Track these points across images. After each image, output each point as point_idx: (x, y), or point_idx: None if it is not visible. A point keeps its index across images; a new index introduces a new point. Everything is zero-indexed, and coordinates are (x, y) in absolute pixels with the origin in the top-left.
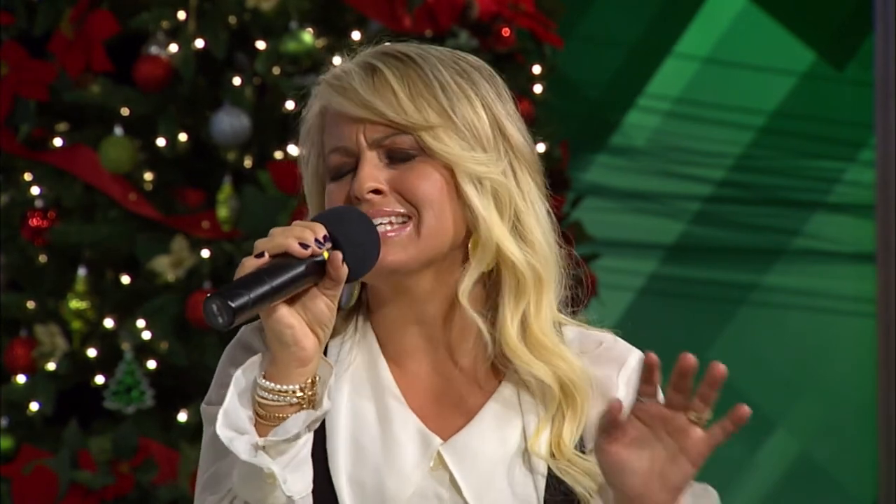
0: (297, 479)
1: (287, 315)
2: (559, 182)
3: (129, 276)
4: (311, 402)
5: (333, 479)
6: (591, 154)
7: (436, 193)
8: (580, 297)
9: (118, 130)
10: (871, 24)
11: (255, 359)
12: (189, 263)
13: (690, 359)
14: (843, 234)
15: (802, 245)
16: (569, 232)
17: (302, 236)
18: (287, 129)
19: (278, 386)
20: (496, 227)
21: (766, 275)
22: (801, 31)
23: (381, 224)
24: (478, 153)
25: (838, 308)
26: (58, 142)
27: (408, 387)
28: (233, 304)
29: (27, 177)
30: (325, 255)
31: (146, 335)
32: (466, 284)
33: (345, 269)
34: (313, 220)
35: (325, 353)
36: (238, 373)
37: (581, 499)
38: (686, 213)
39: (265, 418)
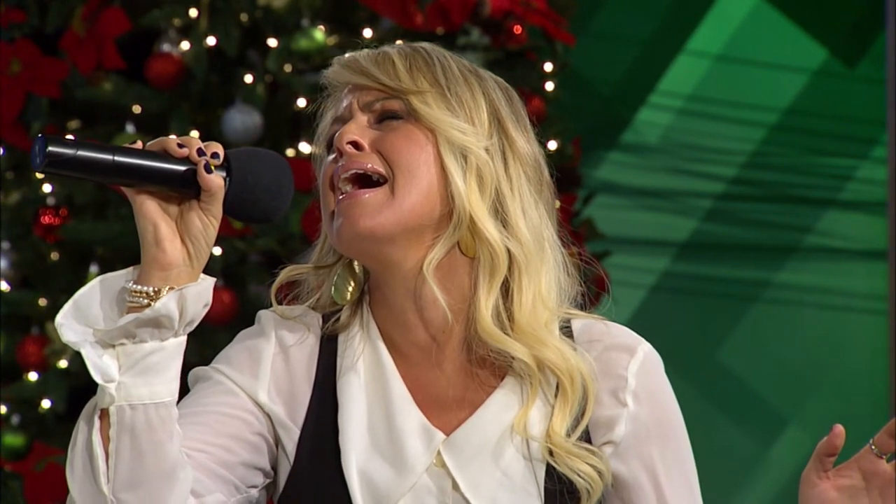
0: (138, 383)
1: (152, 211)
2: (571, 179)
3: None
4: None
5: (345, 472)
6: (602, 151)
7: (415, 156)
8: (592, 294)
9: (130, 128)
10: (883, 21)
11: (132, 268)
12: None
13: None
14: (856, 231)
15: (814, 242)
16: (580, 229)
17: (187, 141)
18: (299, 126)
19: (136, 286)
20: (474, 200)
21: (778, 272)
22: (812, 29)
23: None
24: (463, 124)
25: (850, 305)
26: None
27: (413, 380)
28: (49, 148)
29: (39, 174)
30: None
31: None
32: (434, 254)
33: (215, 181)
34: None
35: (335, 348)
36: (109, 275)
37: (581, 489)
38: (698, 210)
39: None
